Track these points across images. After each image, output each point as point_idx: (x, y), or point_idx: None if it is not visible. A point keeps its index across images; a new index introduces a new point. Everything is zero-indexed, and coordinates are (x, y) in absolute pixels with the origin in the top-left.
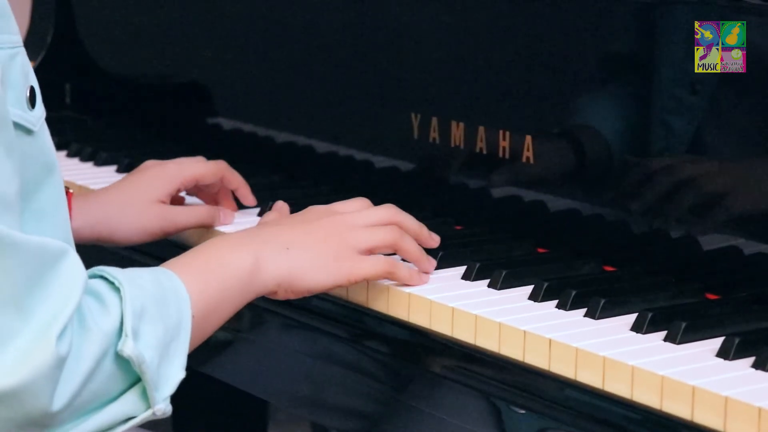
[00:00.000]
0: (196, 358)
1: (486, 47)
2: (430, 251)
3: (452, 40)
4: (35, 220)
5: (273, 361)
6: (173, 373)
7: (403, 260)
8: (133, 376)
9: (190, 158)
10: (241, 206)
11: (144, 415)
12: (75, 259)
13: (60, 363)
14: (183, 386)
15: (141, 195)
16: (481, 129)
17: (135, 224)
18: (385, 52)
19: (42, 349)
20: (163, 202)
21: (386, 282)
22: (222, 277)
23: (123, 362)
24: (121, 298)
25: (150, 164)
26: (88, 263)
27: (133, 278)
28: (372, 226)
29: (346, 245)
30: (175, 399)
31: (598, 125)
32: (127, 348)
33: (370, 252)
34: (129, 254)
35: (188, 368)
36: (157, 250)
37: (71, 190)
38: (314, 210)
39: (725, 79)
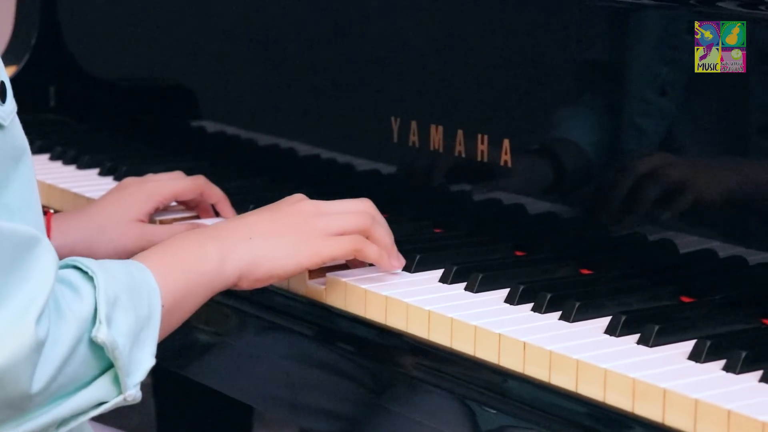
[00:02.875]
0: (180, 361)
1: (463, 53)
2: (408, 254)
3: (431, 45)
4: (6, 215)
5: (252, 365)
6: (144, 360)
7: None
8: (105, 362)
9: (169, 174)
10: None
11: (115, 401)
12: (47, 245)
13: (39, 346)
14: (168, 390)
15: (120, 215)
16: (460, 133)
17: (114, 244)
18: (365, 57)
19: (21, 332)
20: (142, 221)
21: (363, 285)
22: (189, 270)
23: (97, 348)
24: (94, 287)
25: (129, 182)
26: None
27: (106, 268)
28: (343, 213)
29: (313, 229)
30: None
31: (575, 129)
32: (101, 334)
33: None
34: None
35: (172, 372)
36: None
37: (51, 210)
38: (287, 199)
39: (699, 81)
